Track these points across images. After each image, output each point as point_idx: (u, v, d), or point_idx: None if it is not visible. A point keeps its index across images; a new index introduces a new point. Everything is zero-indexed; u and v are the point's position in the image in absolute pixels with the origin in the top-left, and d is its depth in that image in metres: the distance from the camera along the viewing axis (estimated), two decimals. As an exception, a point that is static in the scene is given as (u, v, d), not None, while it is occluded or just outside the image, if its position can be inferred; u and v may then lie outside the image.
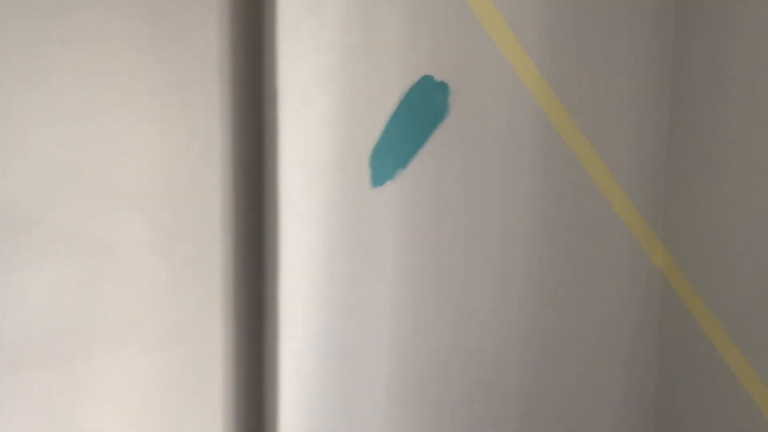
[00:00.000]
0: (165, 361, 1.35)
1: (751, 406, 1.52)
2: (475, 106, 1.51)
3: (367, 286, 1.45)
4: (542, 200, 1.58)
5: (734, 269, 1.57)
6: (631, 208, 1.66)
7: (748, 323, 1.54)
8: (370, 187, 1.44)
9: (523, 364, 1.56)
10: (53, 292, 1.22)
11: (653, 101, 1.62)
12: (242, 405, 1.37)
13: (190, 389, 1.35)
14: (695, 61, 1.55)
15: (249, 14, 1.32)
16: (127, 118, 1.29)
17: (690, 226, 1.62)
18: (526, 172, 1.57)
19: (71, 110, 1.21)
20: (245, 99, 1.37)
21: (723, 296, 1.59)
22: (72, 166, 1.22)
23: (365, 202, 1.43)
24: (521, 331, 1.55)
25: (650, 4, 1.57)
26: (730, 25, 1.51)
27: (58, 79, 1.19)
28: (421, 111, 1.46)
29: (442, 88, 1.49)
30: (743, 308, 1.56)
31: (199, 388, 1.36)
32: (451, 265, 1.52)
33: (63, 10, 1.17)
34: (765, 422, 1.48)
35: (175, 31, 1.29)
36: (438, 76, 1.48)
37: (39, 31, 1.16)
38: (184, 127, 1.33)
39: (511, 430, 1.53)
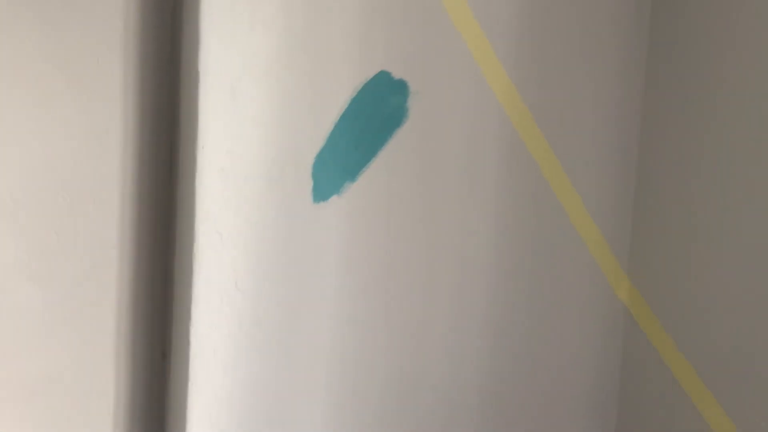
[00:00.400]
0: (40, 414, 1.10)
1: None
2: (437, 111, 1.31)
3: (303, 323, 1.23)
4: (506, 222, 1.40)
5: (703, 305, 1.47)
6: (598, 236, 1.51)
7: (717, 361, 1.45)
8: (311, 203, 1.22)
9: (480, 401, 1.39)
10: None
11: (623, 124, 1.48)
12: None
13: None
14: (667, 88, 1.47)
15: (165, -22, 1.08)
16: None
17: (656, 259, 1.51)
18: (490, 191, 1.39)
19: None
20: (157, 87, 1.14)
21: (691, 332, 1.49)
22: None
23: (305, 221, 1.22)
24: (479, 368, 1.38)
25: (624, 23, 1.44)
26: (705, 54, 1.42)
27: None
28: (374, 113, 1.26)
29: (401, 88, 1.29)
30: (712, 346, 1.46)
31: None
32: (404, 297, 1.32)
33: None
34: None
35: (68, -6, 1.02)
36: (396, 74, 1.27)
37: None
38: (74, 119, 1.09)
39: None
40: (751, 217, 1.37)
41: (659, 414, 1.49)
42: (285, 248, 1.20)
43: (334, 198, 1.23)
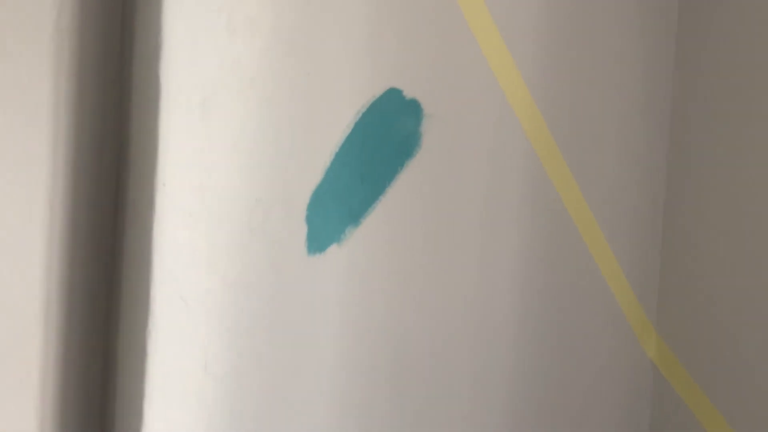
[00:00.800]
0: None
1: None
2: (454, 138, 1.14)
3: (294, 415, 1.00)
4: (529, 272, 1.25)
5: (742, 360, 1.37)
6: (625, 285, 1.38)
7: (756, 420, 1.34)
8: (305, 255, 1.01)
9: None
10: None
11: (650, 166, 1.37)
12: None
13: None
14: (695, 120, 1.38)
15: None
16: None
17: (687, 311, 1.41)
18: (513, 235, 1.23)
19: None
20: (101, 105, 0.91)
21: (730, 392, 1.38)
22: None
23: (297, 278, 1.01)
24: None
25: (650, 53, 1.33)
26: (736, 79, 1.33)
27: None
28: (383, 141, 1.07)
29: (413, 110, 1.10)
30: (754, 408, 1.35)
31: None
32: (419, 375, 1.12)
33: None
34: None
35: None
36: (408, 92, 1.08)
37: None
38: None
39: None
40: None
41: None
42: (271, 317, 1.00)
43: (333, 248, 1.04)
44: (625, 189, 1.33)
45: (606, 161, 1.30)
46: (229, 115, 0.96)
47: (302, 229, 1.02)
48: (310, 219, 1.03)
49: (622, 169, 1.32)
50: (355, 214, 1.06)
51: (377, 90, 1.05)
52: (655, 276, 1.41)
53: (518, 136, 1.20)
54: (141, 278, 0.94)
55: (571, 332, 1.30)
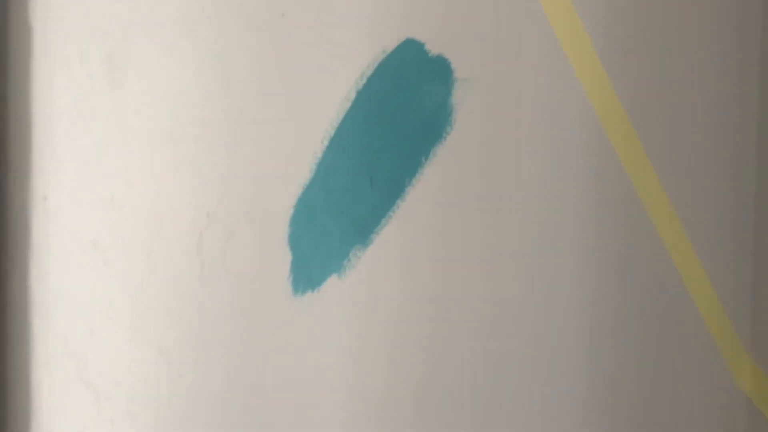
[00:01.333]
0: None
1: None
2: (499, 111, 0.95)
3: None
4: (598, 285, 1.09)
5: None
6: (714, 303, 1.24)
7: None
8: (290, 296, 0.80)
9: None
10: None
11: (740, 162, 1.22)
12: None
13: None
14: None
15: None
16: None
17: None
18: (577, 248, 1.05)
19: None
20: None
21: None
22: None
23: (278, 334, 0.79)
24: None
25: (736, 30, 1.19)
26: None
27: None
28: (398, 117, 0.87)
29: (440, 72, 0.91)
30: None
31: None
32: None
33: None
34: None
35: None
36: (433, 47, 0.89)
37: None
38: None
39: None
40: None
41: None
42: (240, 399, 0.75)
43: (332, 281, 0.81)
44: (714, 188, 1.23)
45: (691, 153, 1.20)
46: (158, 79, 0.70)
47: (284, 257, 0.78)
48: (294, 240, 0.79)
49: (711, 164, 1.23)
50: (362, 230, 0.85)
51: (388, 42, 0.84)
52: (748, 293, 1.31)
53: (583, 108, 1.03)
54: (21, 353, 0.65)
55: (648, 361, 1.18)
